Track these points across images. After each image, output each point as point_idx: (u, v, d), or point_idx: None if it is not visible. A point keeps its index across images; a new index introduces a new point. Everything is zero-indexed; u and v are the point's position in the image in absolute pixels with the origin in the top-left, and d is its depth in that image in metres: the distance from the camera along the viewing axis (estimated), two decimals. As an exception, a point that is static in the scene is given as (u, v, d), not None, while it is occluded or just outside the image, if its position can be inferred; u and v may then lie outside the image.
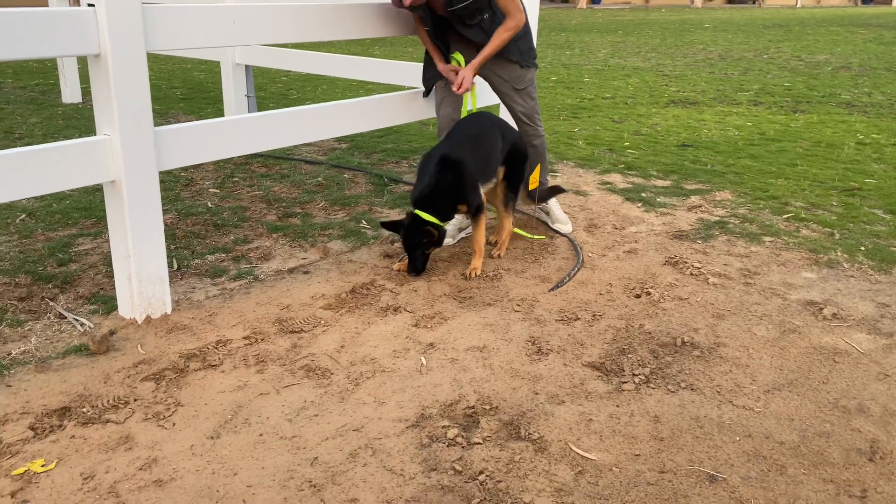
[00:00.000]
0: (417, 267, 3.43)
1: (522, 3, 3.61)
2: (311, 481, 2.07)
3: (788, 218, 4.35)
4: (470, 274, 3.46)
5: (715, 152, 5.93)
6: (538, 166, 3.82)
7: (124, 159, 2.70)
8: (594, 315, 3.11)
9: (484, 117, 3.66)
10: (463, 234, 4.00)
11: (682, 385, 2.59)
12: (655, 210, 4.49)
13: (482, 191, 3.53)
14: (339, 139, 6.23)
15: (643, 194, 4.78)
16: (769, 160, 5.66)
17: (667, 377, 2.64)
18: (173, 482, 2.05)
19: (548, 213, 4.17)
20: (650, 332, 2.97)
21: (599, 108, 7.81)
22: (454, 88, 3.58)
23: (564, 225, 4.08)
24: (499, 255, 3.73)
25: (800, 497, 2.07)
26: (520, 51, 3.73)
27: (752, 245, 3.92)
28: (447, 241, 3.84)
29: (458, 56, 3.67)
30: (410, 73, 4.82)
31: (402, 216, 3.48)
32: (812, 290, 3.38)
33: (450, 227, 3.88)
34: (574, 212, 4.43)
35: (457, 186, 3.41)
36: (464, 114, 3.79)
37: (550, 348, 2.83)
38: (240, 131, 3.13)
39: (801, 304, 3.24)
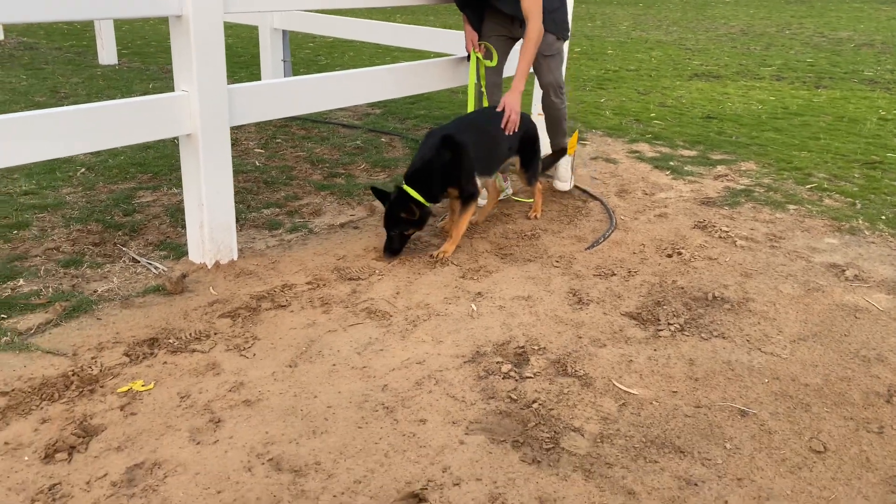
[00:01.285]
0: (393, 247, 3.27)
1: None
2: (383, 404, 2.31)
3: (811, 188, 4.53)
4: (438, 255, 3.35)
5: (739, 125, 6.08)
6: (576, 132, 4.01)
7: (201, 114, 2.91)
8: (629, 271, 3.33)
9: (500, 115, 3.58)
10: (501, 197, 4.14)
11: (714, 333, 2.81)
12: (683, 178, 4.68)
13: (479, 181, 3.43)
14: (373, 105, 6.41)
15: (671, 163, 4.96)
16: (792, 133, 5.81)
17: (700, 326, 2.86)
18: (260, 402, 2.29)
19: (555, 170, 4.33)
20: (683, 288, 3.18)
21: (624, 79, 7.94)
22: (504, 125, 3.55)
23: (563, 183, 4.24)
24: (535, 216, 3.92)
25: (823, 430, 2.29)
26: (555, 22, 3.82)
27: (777, 212, 4.11)
28: (480, 201, 3.92)
29: (489, 45, 3.85)
30: (450, 39, 4.97)
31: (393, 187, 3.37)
32: (835, 254, 3.58)
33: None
34: (604, 178, 4.62)
35: (452, 168, 3.30)
36: (471, 79, 3.89)
37: (590, 299, 3.05)
38: (303, 91, 3.33)
39: (825, 266, 3.44)
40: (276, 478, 1.97)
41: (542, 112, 4.25)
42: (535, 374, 2.51)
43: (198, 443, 2.09)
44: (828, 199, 4.33)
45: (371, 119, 5.97)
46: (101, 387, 2.32)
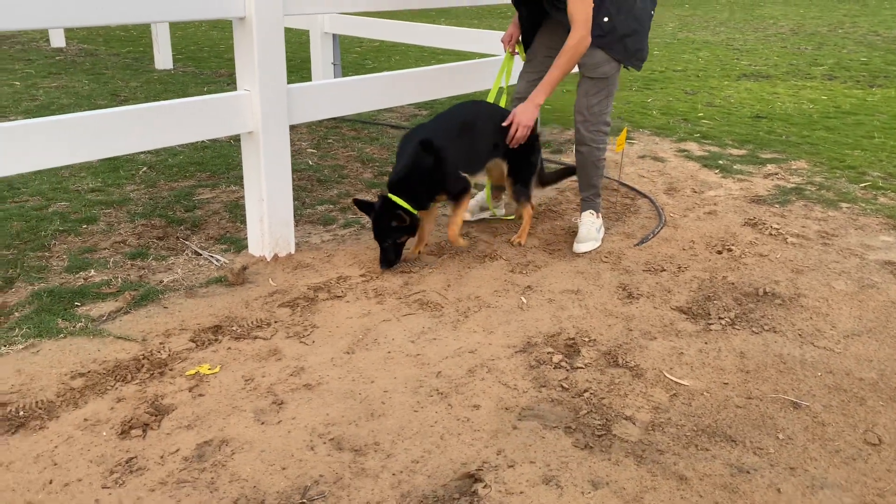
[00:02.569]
0: (389, 258, 3.16)
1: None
2: (437, 389, 2.38)
3: (865, 186, 4.46)
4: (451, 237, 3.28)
5: (789, 124, 6.00)
6: (625, 129, 4.02)
7: (262, 112, 3.03)
8: (679, 267, 3.34)
9: (481, 106, 3.41)
10: (485, 215, 3.90)
11: (766, 328, 2.82)
12: (732, 176, 4.65)
13: (466, 176, 3.26)
14: (419, 106, 6.51)
15: (720, 161, 4.94)
16: (845, 132, 5.72)
17: (751, 321, 2.87)
18: (321, 386, 2.38)
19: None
20: (733, 283, 3.18)
21: (671, 79, 7.90)
22: (509, 139, 3.28)
23: (583, 244, 3.48)
24: (519, 243, 3.53)
25: (878, 423, 2.28)
26: (626, 48, 3.25)
27: (830, 210, 4.07)
28: (465, 215, 3.63)
29: (519, 48, 3.62)
30: (494, 40, 5.03)
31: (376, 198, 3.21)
32: (890, 251, 3.53)
33: (472, 202, 3.79)
34: (652, 176, 4.63)
35: (436, 173, 3.15)
36: (497, 80, 3.65)
37: (640, 293, 3.08)
38: (357, 90, 3.43)
39: (879, 263, 3.40)
40: (337, 456, 2.06)
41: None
42: (585, 365, 2.55)
43: (262, 423, 2.19)
44: (883, 198, 4.27)
45: (418, 120, 6.06)
46: (170, 370, 2.44)
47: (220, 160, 4.73)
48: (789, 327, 2.83)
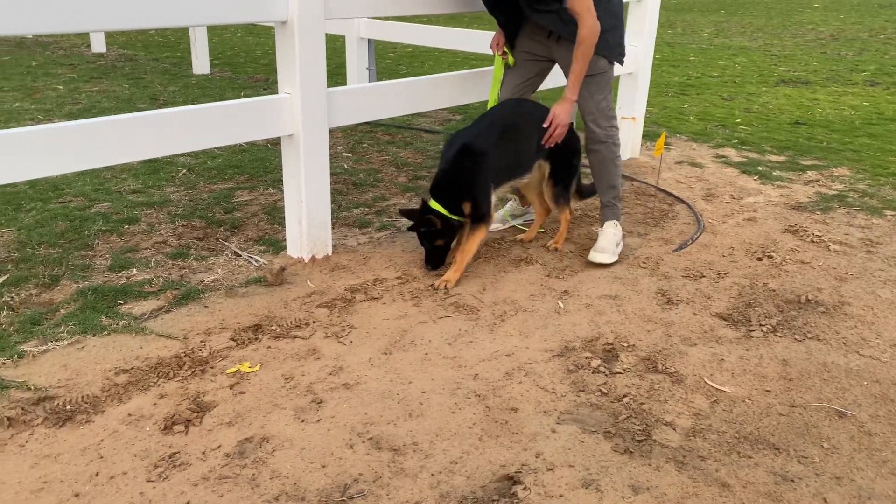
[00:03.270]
0: (431, 260, 3.18)
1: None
2: (475, 392, 2.38)
3: (910, 193, 4.37)
4: (438, 286, 3.08)
5: (830, 130, 5.90)
6: (663, 134, 3.99)
7: (302, 115, 3.06)
8: (719, 273, 3.30)
9: (524, 105, 3.37)
10: (518, 222, 3.85)
11: (809, 335, 2.77)
12: (772, 183, 4.58)
13: (494, 194, 3.20)
14: (453, 111, 6.53)
15: (759, 168, 4.87)
16: (889, 139, 5.60)
17: (793, 328, 2.82)
18: (359, 385, 2.40)
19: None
20: (774, 290, 3.13)
21: (707, 85, 7.81)
22: (546, 139, 3.27)
23: (602, 254, 3.35)
24: (556, 248, 3.52)
25: (926, 435, 2.23)
26: (607, 43, 3.22)
27: (874, 217, 3.99)
28: (495, 225, 3.70)
29: (510, 55, 3.48)
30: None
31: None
32: (936, 259, 3.45)
33: (499, 213, 3.79)
34: (690, 182, 4.58)
35: (466, 181, 3.10)
36: (493, 89, 3.54)
37: (679, 299, 3.05)
38: (394, 94, 3.45)
39: (926, 271, 3.32)
40: (376, 455, 2.07)
41: (627, 116, 4.21)
42: (624, 370, 2.53)
43: (302, 421, 2.21)
44: (928, 205, 4.17)
45: (452, 125, 6.08)
46: (211, 367, 2.48)
47: (257, 163, 4.79)
48: (833, 335, 2.77)
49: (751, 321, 2.87)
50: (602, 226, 3.48)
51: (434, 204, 3.11)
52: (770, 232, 3.77)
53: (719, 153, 5.24)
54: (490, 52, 3.63)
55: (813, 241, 3.65)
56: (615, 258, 3.38)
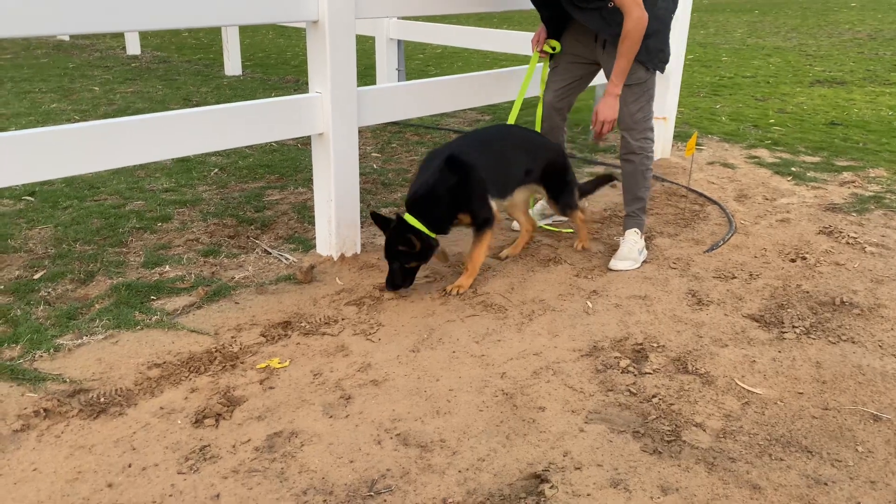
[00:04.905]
0: (395, 281, 2.93)
1: None
2: (502, 390, 2.38)
3: (950, 195, 4.26)
4: (451, 290, 3.02)
5: (867, 131, 5.79)
6: (695, 133, 3.94)
7: (332, 114, 3.08)
8: (750, 275, 3.25)
9: (513, 130, 3.29)
10: (546, 222, 3.83)
11: (843, 338, 2.72)
12: (806, 184, 4.51)
13: (493, 204, 3.07)
14: (482, 111, 6.53)
15: (792, 168, 4.80)
16: (928, 140, 5.48)
17: (827, 330, 2.77)
18: (387, 382, 2.41)
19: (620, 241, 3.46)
20: (808, 292, 3.08)
21: (740, 86, 7.71)
22: (594, 136, 3.28)
23: (622, 261, 3.30)
24: (583, 247, 3.51)
25: (966, 440, 2.17)
26: (647, 49, 3.12)
27: (911, 219, 3.90)
28: (554, 219, 3.66)
29: (555, 43, 3.41)
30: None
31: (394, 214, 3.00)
32: (977, 262, 3.36)
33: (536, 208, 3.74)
34: (722, 182, 4.53)
35: (460, 192, 2.92)
36: (524, 85, 3.48)
37: (710, 300, 3.01)
38: (424, 93, 3.47)
39: (966, 274, 3.24)
40: (404, 451, 2.07)
41: (658, 116, 4.15)
42: (654, 371, 2.51)
43: (331, 416, 2.22)
44: (969, 207, 4.07)
45: (481, 124, 6.08)
46: (242, 363, 2.51)
47: (287, 163, 4.84)
48: (868, 338, 2.72)
49: (783, 323, 2.82)
50: (624, 234, 3.42)
51: (412, 220, 2.88)
52: (804, 233, 3.71)
53: (752, 154, 5.17)
54: (521, 52, 3.60)
55: (848, 243, 3.58)
56: (637, 265, 3.31)
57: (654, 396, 2.36)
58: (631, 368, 2.51)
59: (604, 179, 3.73)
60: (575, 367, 2.52)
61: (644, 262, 3.37)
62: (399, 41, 6.75)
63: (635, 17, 2.97)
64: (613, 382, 2.43)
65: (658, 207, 4.08)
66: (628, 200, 3.44)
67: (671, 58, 4.73)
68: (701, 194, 4.27)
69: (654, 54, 3.18)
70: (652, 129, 3.34)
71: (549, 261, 3.41)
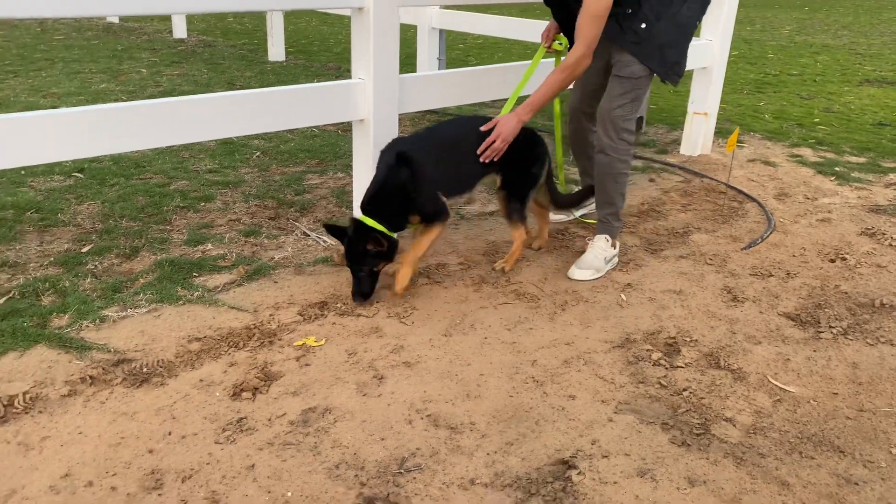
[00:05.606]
0: (363, 289, 2.79)
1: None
2: (533, 377, 2.40)
3: None
4: (396, 290, 2.85)
5: (916, 133, 5.65)
6: (736, 130, 3.90)
7: (374, 101, 3.13)
8: (788, 273, 3.22)
9: (475, 121, 3.07)
10: (582, 212, 3.73)
11: (882, 340, 2.68)
12: (850, 184, 4.43)
13: (444, 199, 2.91)
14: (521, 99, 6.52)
15: (836, 168, 4.71)
16: (980, 143, 5.33)
17: (865, 332, 2.73)
18: (419, 364, 2.45)
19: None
20: (846, 293, 3.04)
21: (785, 84, 7.58)
22: (480, 151, 2.93)
23: (582, 270, 3.12)
24: (503, 269, 3.15)
25: None
26: (663, 60, 2.96)
27: (959, 223, 3.82)
28: (558, 217, 3.52)
29: (563, 40, 3.27)
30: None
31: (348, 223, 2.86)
32: None
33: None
34: (763, 180, 4.47)
35: (409, 191, 2.81)
36: (522, 81, 3.26)
37: (746, 297, 2.99)
38: (464, 81, 3.49)
39: None
40: (433, 432, 2.11)
41: (699, 111, 4.09)
42: (685, 364, 2.51)
43: (364, 394, 2.27)
44: None
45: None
46: (279, 340, 2.57)
47: (328, 148, 4.90)
48: (908, 341, 2.68)
49: (820, 322, 2.79)
50: (593, 239, 3.20)
51: (369, 221, 2.77)
52: (845, 234, 3.66)
53: (795, 152, 5.09)
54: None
55: (891, 245, 3.52)
56: (600, 275, 3.11)
57: (684, 390, 2.36)
58: (662, 361, 2.52)
59: (589, 191, 3.38)
60: (606, 358, 2.53)
61: (680, 256, 3.35)
62: (441, 31, 6.76)
63: (578, 55, 2.80)
64: (644, 374, 2.44)
65: (696, 203, 4.05)
66: (599, 204, 3.20)
67: (716, 53, 4.70)
68: (740, 191, 4.22)
69: (669, 66, 2.99)
70: (630, 132, 3.05)
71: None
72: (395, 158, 2.81)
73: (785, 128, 5.75)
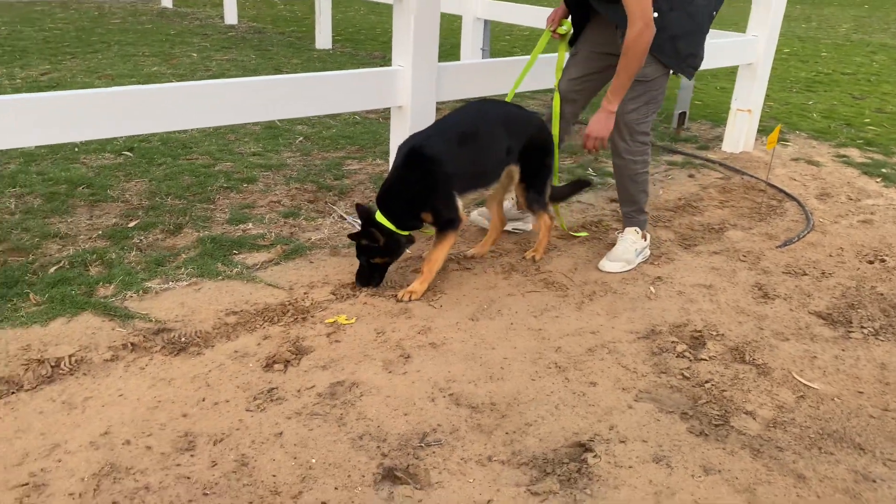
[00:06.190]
0: (363, 276, 2.82)
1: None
2: (555, 363, 2.44)
3: None
4: (402, 297, 2.79)
5: (971, 136, 5.49)
6: (778, 126, 3.86)
7: (413, 88, 3.19)
8: (823, 272, 3.19)
9: (487, 108, 3.01)
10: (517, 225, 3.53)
11: (914, 342, 2.65)
12: (896, 186, 4.34)
13: (460, 202, 2.82)
14: (565, 95, 6.51)
15: (883, 170, 4.62)
16: None
17: (897, 334, 2.70)
18: (444, 346, 2.51)
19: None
20: (882, 294, 3.00)
21: (837, 83, 7.41)
22: (584, 145, 2.95)
23: (613, 263, 3.13)
24: (533, 258, 3.19)
25: None
26: (676, 53, 2.88)
27: None
28: (515, 225, 3.42)
29: (567, 24, 3.19)
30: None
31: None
32: None
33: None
34: (805, 180, 4.41)
35: (422, 190, 2.73)
36: (526, 68, 3.20)
37: (777, 294, 2.98)
38: (502, 71, 3.52)
39: None
40: (455, 410, 2.17)
41: (742, 108, 4.09)
42: (710, 357, 2.52)
43: (390, 371, 2.35)
44: None
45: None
46: (312, 317, 2.66)
47: (367, 136, 4.98)
48: (941, 345, 2.65)
49: (851, 322, 2.77)
50: (623, 232, 3.21)
51: (380, 217, 2.75)
52: (886, 236, 3.60)
53: (841, 153, 4.99)
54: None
55: (933, 249, 3.45)
56: (631, 267, 3.11)
57: (706, 382, 2.37)
58: (687, 353, 2.53)
59: (579, 185, 3.39)
60: (630, 348, 2.56)
61: (713, 252, 3.35)
62: (486, 21, 6.79)
63: (636, 31, 2.65)
64: (667, 365, 2.46)
65: (734, 200, 4.02)
66: (622, 202, 3.24)
67: (763, 49, 4.63)
68: (780, 189, 4.17)
69: (683, 58, 2.91)
70: (646, 134, 3.03)
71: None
72: (410, 154, 2.74)
73: (833, 127, 5.64)
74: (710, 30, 3.05)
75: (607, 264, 3.12)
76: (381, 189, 2.81)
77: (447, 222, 2.79)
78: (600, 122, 2.89)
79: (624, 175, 3.13)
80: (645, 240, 3.22)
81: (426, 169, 2.73)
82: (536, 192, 3.07)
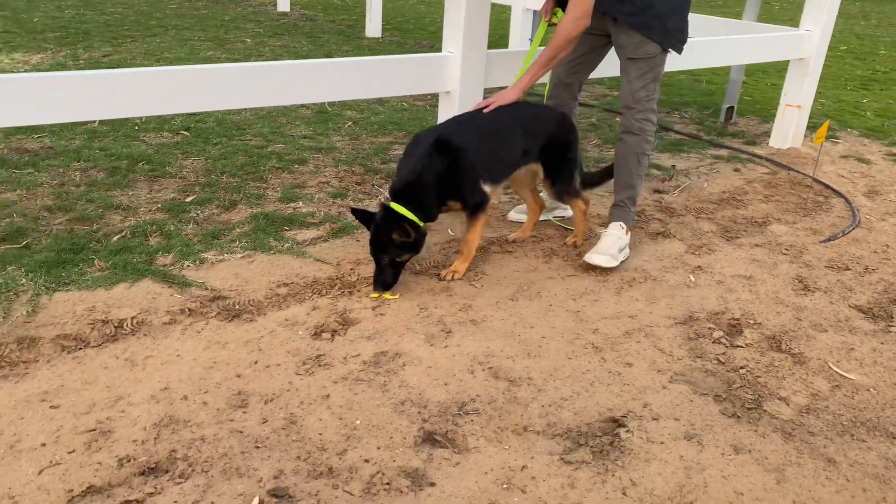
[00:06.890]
0: (385, 278, 2.71)
1: None
2: (592, 344, 2.51)
3: None
4: (445, 276, 2.88)
5: None
6: (826, 122, 3.83)
7: (461, 74, 3.27)
8: (866, 268, 3.18)
9: (501, 112, 2.98)
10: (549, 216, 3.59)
11: (955, 339, 2.64)
12: (948, 186, 4.27)
13: (486, 188, 2.87)
14: (611, 86, 6.52)
15: (935, 169, 4.54)
16: None
17: (939, 330, 2.70)
18: (484, 323, 2.60)
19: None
20: (926, 291, 2.99)
21: (895, 81, 7.25)
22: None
23: (600, 256, 3.03)
24: (574, 244, 3.27)
25: None
26: (664, 29, 2.94)
27: None
28: (556, 213, 3.46)
29: (560, 12, 3.17)
30: (700, 24, 4.94)
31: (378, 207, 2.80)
32: None
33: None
34: (853, 177, 4.37)
35: (450, 178, 2.74)
36: (528, 56, 3.20)
37: (817, 287, 2.99)
38: (551, 60, 3.57)
39: None
40: (493, 383, 2.26)
41: (792, 103, 4.06)
42: (746, 345, 2.56)
43: (431, 345, 2.44)
44: None
45: (607, 100, 6.09)
46: (358, 291, 2.77)
47: (415, 122, 5.08)
48: (984, 342, 2.63)
49: (892, 317, 2.77)
50: (607, 226, 3.16)
51: (399, 208, 2.69)
52: (934, 234, 3.56)
53: (893, 151, 4.92)
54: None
55: (983, 249, 3.41)
56: (616, 263, 3.03)
57: (741, 367, 2.41)
58: (723, 340, 2.57)
59: (610, 171, 3.32)
60: (667, 333, 2.61)
61: (755, 245, 3.36)
62: (535, 11, 6.82)
63: (571, 17, 2.78)
64: (703, 350, 2.50)
65: (779, 195, 4.01)
66: (618, 187, 3.18)
67: (815, 44, 4.59)
68: (827, 185, 4.15)
69: (672, 34, 2.98)
70: (654, 112, 3.07)
71: (658, 234, 3.46)
72: (436, 145, 2.73)
73: (886, 126, 5.54)
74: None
75: (595, 257, 3.03)
76: (400, 182, 2.74)
77: (476, 206, 2.85)
78: (507, 97, 3.00)
79: (630, 154, 3.10)
80: (627, 235, 3.14)
81: (454, 158, 2.74)
82: (563, 183, 3.10)
